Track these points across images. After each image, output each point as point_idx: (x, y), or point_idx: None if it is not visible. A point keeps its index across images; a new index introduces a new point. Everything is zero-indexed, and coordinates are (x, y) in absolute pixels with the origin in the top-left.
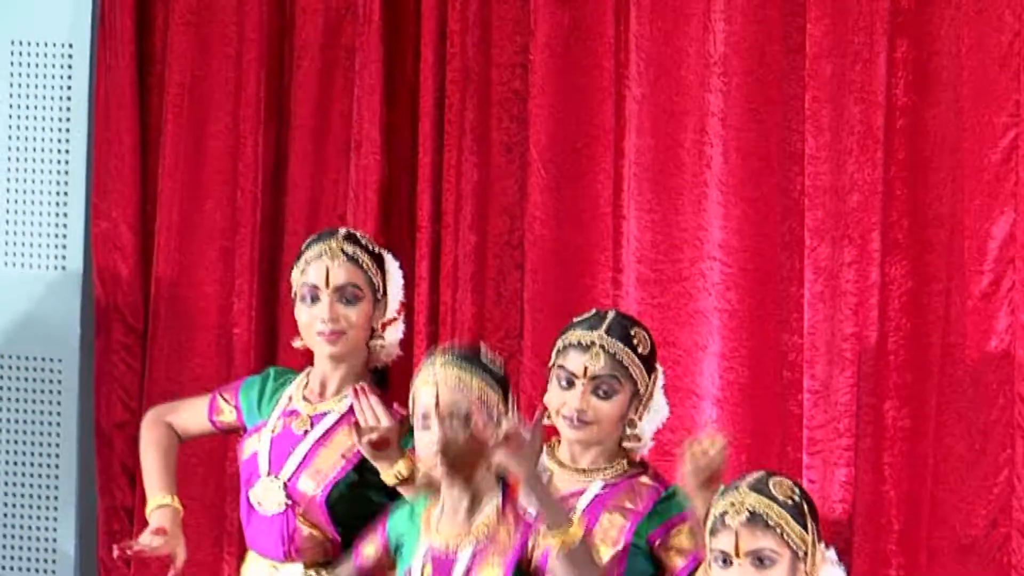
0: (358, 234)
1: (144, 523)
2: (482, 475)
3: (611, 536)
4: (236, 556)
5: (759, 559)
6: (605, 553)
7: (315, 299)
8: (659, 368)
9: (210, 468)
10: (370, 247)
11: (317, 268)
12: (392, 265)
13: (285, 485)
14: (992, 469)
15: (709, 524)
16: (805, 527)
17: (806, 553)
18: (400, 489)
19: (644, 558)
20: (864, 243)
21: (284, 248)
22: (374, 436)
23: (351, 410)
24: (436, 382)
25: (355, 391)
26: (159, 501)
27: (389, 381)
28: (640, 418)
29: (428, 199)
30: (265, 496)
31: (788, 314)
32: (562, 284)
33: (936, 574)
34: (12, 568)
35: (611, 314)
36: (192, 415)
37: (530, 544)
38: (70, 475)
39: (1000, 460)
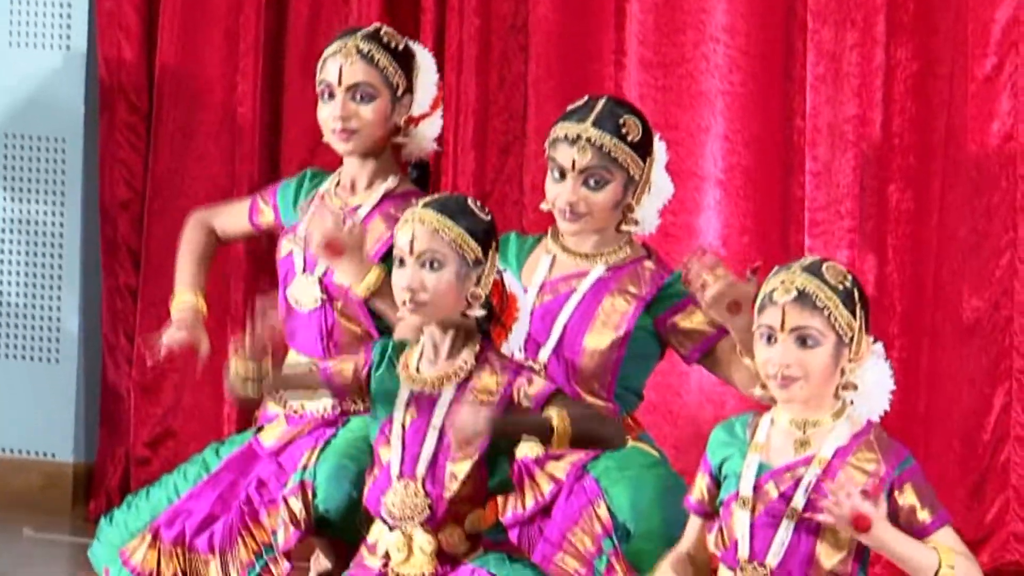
0: (382, 31)
1: (147, 303)
2: (458, 318)
3: (613, 320)
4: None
5: (803, 338)
6: (607, 336)
7: (330, 96)
8: (658, 149)
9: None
10: (392, 44)
11: (332, 66)
12: (425, 60)
13: (321, 281)
14: (994, 252)
15: (758, 301)
16: (854, 313)
17: (852, 339)
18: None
19: (649, 339)
20: (868, 26)
21: (288, 28)
22: (321, 240)
23: (383, 200)
24: (413, 225)
25: (321, 196)
26: (183, 297)
27: (430, 174)
28: (638, 202)
29: None
30: (302, 293)
31: (791, 96)
32: (565, 67)
33: (938, 356)
34: (17, 347)
35: (601, 102)
36: (233, 217)
37: (516, 394)
38: (74, 255)
39: (1002, 243)
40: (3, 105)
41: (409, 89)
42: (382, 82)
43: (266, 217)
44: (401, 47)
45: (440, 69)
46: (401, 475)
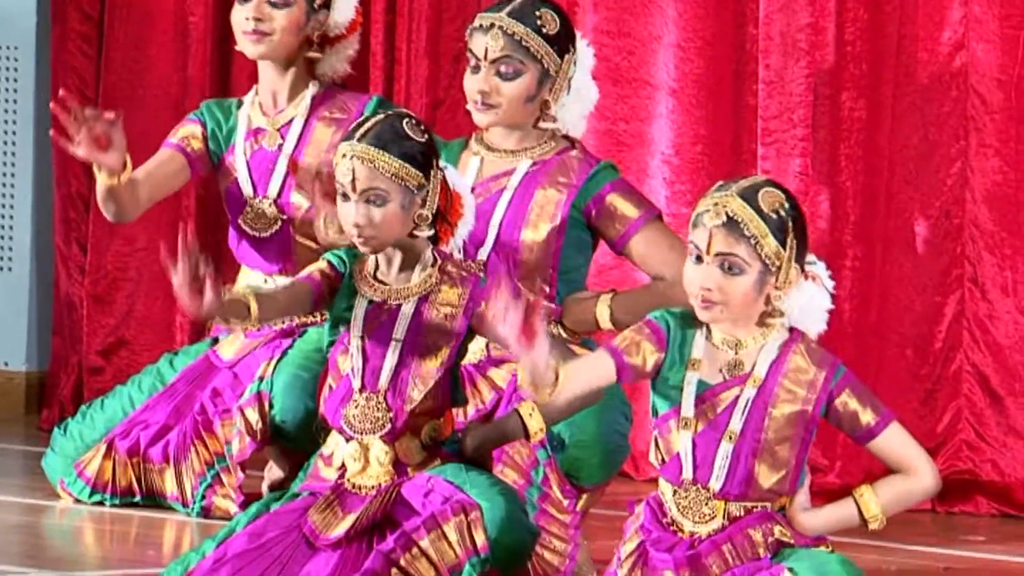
0: None
1: (100, 211)
2: (406, 240)
3: (548, 211)
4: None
5: (727, 264)
6: (543, 228)
7: (246, 0)
8: (583, 51)
9: None
10: None
11: None
12: None
13: (276, 203)
14: (945, 160)
15: (693, 216)
16: (783, 243)
17: (779, 268)
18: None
19: (581, 229)
20: None
21: None
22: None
23: (314, 106)
24: (352, 162)
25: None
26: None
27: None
28: (555, 99)
29: None
30: (257, 218)
31: (744, 4)
32: None
33: (890, 264)
34: None
35: None
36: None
37: (480, 308)
38: (26, 163)
39: (953, 151)
40: None
41: (326, 5)
42: None
43: (192, 144)
44: None
45: None
46: (363, 388)
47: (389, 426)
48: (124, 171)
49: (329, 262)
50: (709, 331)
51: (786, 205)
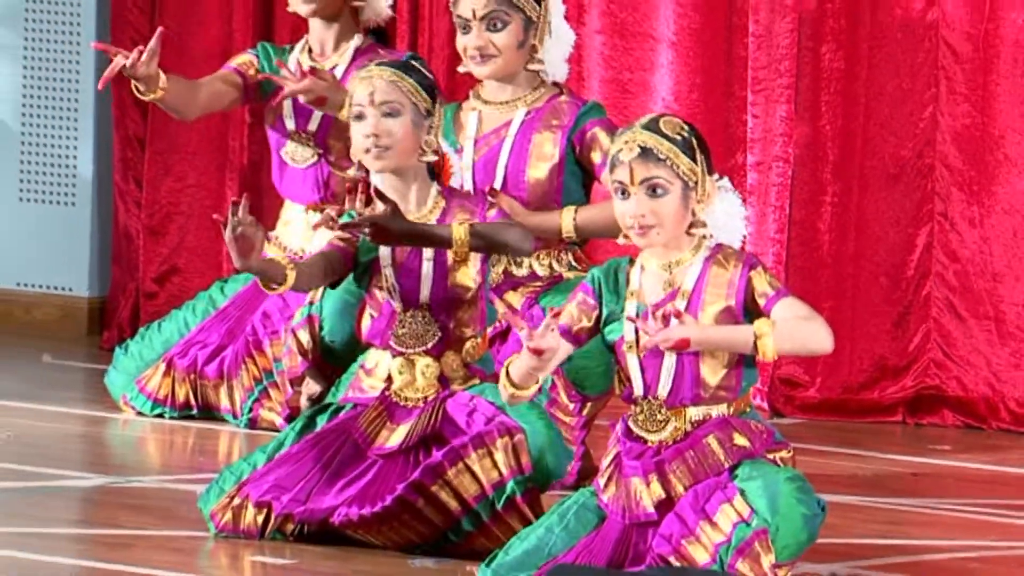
0: None
1: (154, 152)
2: (414, 163)
3: (547, 152)
4: (237, 183)
5: (652, 188)
6: (544, 166)
7: None
8: None
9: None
10: None
11: None
12: None
13: (314, 137)
14: (918, 106)
15: (609, 159)
16: (694, 159)
17: (696, 183)
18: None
19: (574, 163)
20: None
21: None
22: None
23: (355, 57)
24: (372, 80)
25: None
26: None
27: (388, 40)
28: (540, 43)
29: None
30: (296, 151)
31: None
32: None
33: (867, 200)
34: (41, 191)
35: None
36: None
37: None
38: (88, 108)
39: (925, 98)
40: None
41: None
42: None
43: (248, 69)
44: None
45: None
46: (407, 307)
47: (437, 337)
48: (160, 86)
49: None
50: (643, 266)
51: (685, 127)
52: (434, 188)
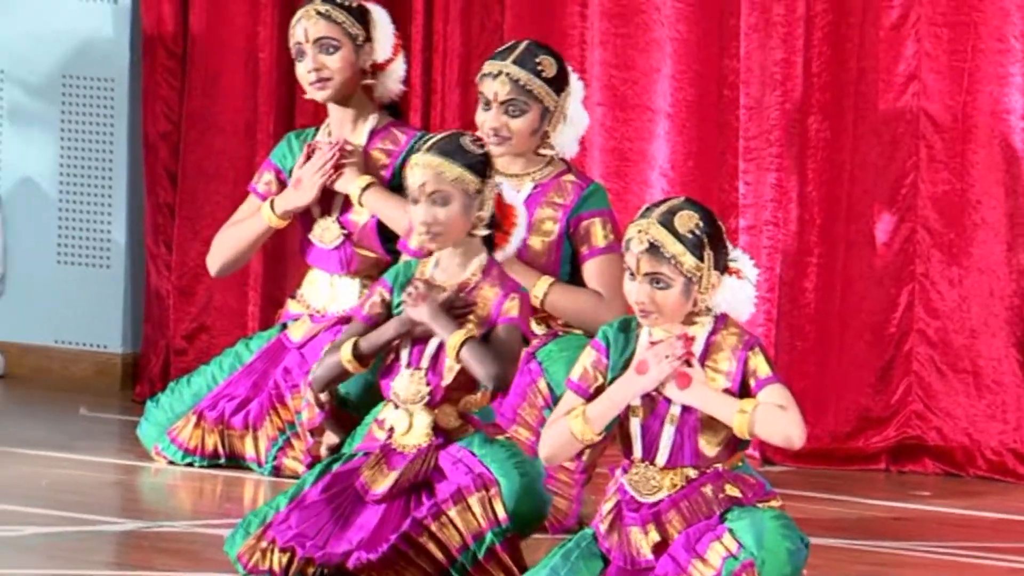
0: None
1: (183, 218)
2: (464, 239)
3: (546, 228)
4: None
5: (655, 281)
6: (542, 242)
7: (302, 54)
8: (575, 85)
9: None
10: (345, 3)
11: (300, 28)
12: (377, 14)
13: (338, 220)
14: (900, 174)
15: (624, 240)
16: (701, 257)
17: (700, 278)
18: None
19: (570, 243)
20: None
21: None
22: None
23: (371, 138)
24: (422, 170)
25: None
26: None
27: (401, 112)
28: (553, 129)
29: None
30: (323, 233)
31: (728, 42)
32: (536, 16)
33: (851, 262)
34: (77, 255)
35: (523, 44)
36: (246, 208)
37: (503, 307)
38: (121, 177)
39: (907, 166)
40: (62, 51)
41: (368, 39)
42: (343, 34)
43: (272, 187)
44: (355, 5)
45: (429, 19)
46: (409, 364)
47: (428, 398)
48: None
49: (385, 282)
50: (651, 331)
51: (700, 224)
52: (477, 260)
